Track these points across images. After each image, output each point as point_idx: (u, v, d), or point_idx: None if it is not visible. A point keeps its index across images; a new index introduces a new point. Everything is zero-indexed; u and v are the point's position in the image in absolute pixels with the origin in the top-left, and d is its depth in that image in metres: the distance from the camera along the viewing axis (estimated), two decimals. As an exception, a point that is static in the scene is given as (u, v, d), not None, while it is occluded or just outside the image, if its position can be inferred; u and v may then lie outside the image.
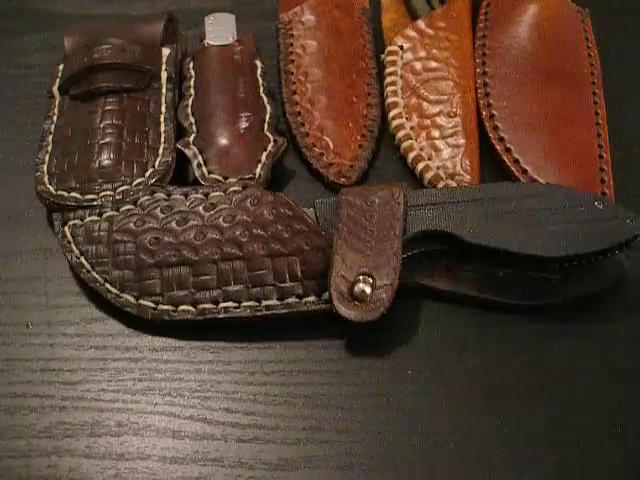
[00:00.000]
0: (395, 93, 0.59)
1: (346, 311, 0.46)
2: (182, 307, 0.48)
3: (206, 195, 0.51)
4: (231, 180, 0.53)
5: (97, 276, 0.49)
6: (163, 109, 0.57)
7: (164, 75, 0.58)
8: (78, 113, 0.56)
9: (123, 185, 0.52)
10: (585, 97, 0.58)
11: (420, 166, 0.56)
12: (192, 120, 0.56)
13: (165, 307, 0.48)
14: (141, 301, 0.48)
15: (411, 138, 0.57)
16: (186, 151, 0.54)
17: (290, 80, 0.60)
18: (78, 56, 0.57)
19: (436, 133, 0.57)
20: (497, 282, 0.49)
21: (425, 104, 0.58)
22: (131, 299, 0.49)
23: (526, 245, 0.47)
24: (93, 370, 0.48)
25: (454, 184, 0.54)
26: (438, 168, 0.55)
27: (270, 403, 0.47)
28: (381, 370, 0.48)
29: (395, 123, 0.58)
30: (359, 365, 0.48)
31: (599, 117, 0.57)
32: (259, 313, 0.48)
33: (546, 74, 0.59)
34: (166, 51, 0.59)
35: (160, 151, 0.54)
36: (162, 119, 0.56)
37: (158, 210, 0.50)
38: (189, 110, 0.56)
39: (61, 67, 0.58)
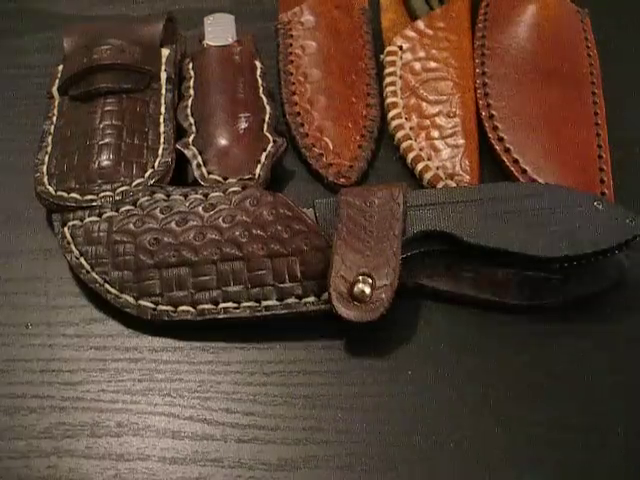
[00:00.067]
0: (394, 93, 0.59)
1: (346, 311, 0.46)
2: (182, 308, 0.48)
3: (206, 196, 0.51)
4: (231, 180, 0.53)
5: (97, 277, 0.49)
6: (162, 110, 0.56)
7: (163, 76, 0.58)
8: (77, 114, 0.56)
9: (122, 186, 0.52)
10: (585, 97, 0.58)
11: (419, 166, 0.56)
12: (192, 120, 0.56)
13: (165, 308, 0.48)
14: (141, 302, 0.48)
15: (410, 138, 0.57)
16: (186, 152, 0.54)
17: (289, 80, 0.60)
18: (77, 57, 0.57)
19: (435, 133, 0.57)
20: (497, 282, 0.49)
21: (424, 104, 0.58)
22: (131, 300, 0.49)
23: (526, 245, 0.47)
24: (93, 371, 0.48)
25: (454, 184, 0.54)
26: (437, 168, 0.55)
27: (270, 403, 0.47)
28: (381, 370, 0.48)
29: (394, 123, 0.58)
30: (359, 365, 0.48)
31: (599, 117, 0.57)
32: (259, 313, 0.48)
33: (545, 74, 0.59)
34: (165, 52, 0.59)
35: (160, 152, 0.54)
36: (161, 120, 0.56)
37: (158, 211, 0.50)
38: (189, 111, 0.56)
39: (61, 68, 0.58)
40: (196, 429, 0.46)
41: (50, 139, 0.55)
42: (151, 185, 0.52)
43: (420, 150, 0.56)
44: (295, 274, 0.48)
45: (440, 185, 0.54)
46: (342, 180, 0.56)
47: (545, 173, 0.54)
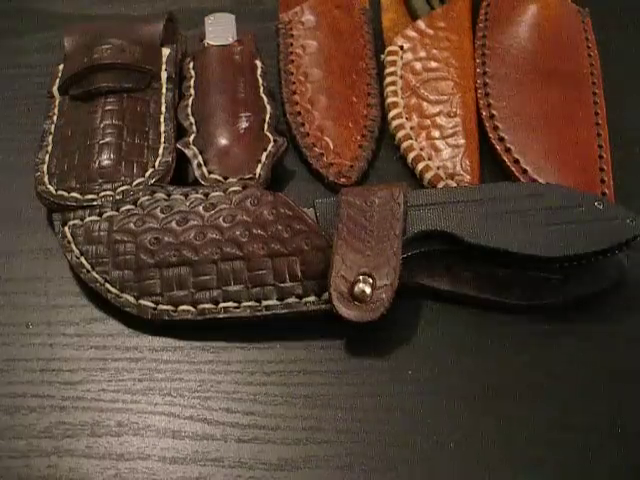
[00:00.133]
0: (395, 93, 0.59)
1: (346, 311, 0.46)
2: (182, 307, 0.48)
3: (206, 195, 0.51)
4: (231, 180, 0.53)
5: (97, 276, 0.49)
6: (163, 109, 0.56)
7: (164, 75, 0.58)
8: (78, 113, 0.56)
9: (123, 185, 0.52)
10: (585, 97, 0.58)
11: (420, 166, 0.56)
12: (192, 120, 0.56)
13: (165, 307, 0.48)
14: (141, 301, 0.48)
15: (411, 138, 0.57)
16: (186, 151, 0.54)
17: (290, 80, 0.60)
18: (78, 56, 0.57)
19: (436, 133, 0.57)
20: (497, 282, 0.50)
21: (425, 104, 0.58)
22: (131, 299, 0.49)
23: (526, 245, 0.47)
24: (93, 370, 0.48)
25: (454, 184, 0.54)
26: (438, 168, 0.55)
27: (270, 403, 0.47)
28: (381, 370, 0.48)
29: (395, 123, 0.58)
30: (359, 365, 0.48)
31: (599, 117, 0.57)
32: (259, 313, 0.48)
33: (546, 74, 0.59)
34: (166, 51, 0.59)
35: (160, 151, 0.54)
36: (162, 119, 0.56)
37: (158, 210, 0.50)
38: (189, 110, 0.56)
39: (61, 67, 0.58)
40: (196, 429, 0.46)
41: (51, 138, 0.55)
42: (152, 184, 0.52)
43: (421, 150, 0.56)
44: (295, 274, 0.48)
45: (440, 185, 0.54)
46: (342, 180, 0.56)
47: (545, 173, 0.54)
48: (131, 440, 0.45)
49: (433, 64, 0.60)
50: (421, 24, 0.62)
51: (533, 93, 0.58)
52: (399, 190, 0.49)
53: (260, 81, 0.58)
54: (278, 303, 0.48)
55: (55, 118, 0.56)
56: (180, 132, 0.56)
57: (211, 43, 0.59)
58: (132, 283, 0.49)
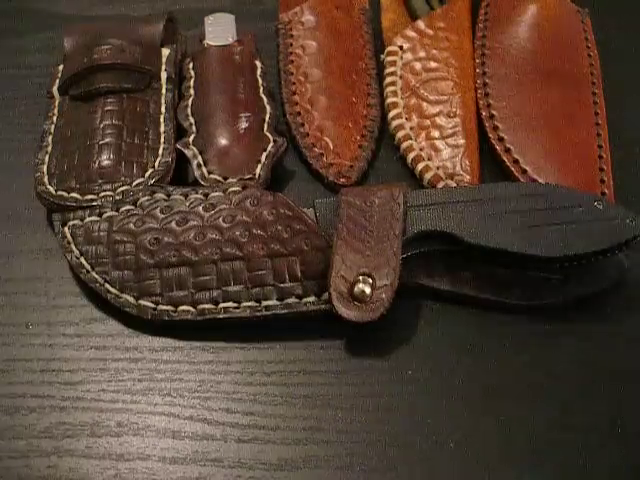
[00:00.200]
0: (395, 93, 0.59)
1: (346, 311, 0.46)
2: (182, 307, 0.48)
3: (206, 195, 0.51)
4: (231, 180, 0.53)
5: (97, 276, 0.49)
6: (163, 109, 0.57)
7: (164, 75, 0.58)
8: (78, 113, 0.56)
9: (123, 185, 0.52)
10: (585, 97, 0.58)
11: (420, 166, 0.56)
12: (192, 120, 0.56)
13: (165, 307, 0.48)
14: (141, 301, 0.48)
15: (411, 138, 0.57)
16: (186, 151, 0.54)
17: (290, 80, 0.60)
18: (78, 56, 0.57)
19: (436, 133, 0.57)
20: (497, 282, 0.50)
21: (425, 104, 0.58)
22: (131, 299, 0.49)
23: (526, 245, 0.47)
24: (93, 370, 0.48)
25: (454, 184, 0.54)
26: (438, 168, 0.55)
27: (270, 403, 0.47)
28: (381, 370, 0.48)
29: (395, 123, 0.58)
30: (359, 365, 0.48)
31: (599, 117, 0.57)
32: (259, 313, 0.48)
33: (546, 74, 0.59)
34: (166, 51, 0.59)
35: (160, 151, 0.54)
36: (162, 119, 0.56)
37: (158, 210, 0.50)
38: (189, 110, 0.56)
39: (61, 67, 0.58)
40: (196, 429, 0.46)
41: (50, 139, 0.55)
42: (151, 185, 0.52)
43: (420, 150, 0.56)
44: (295, 274, 0.48)
45: (440, 185, 0.54)
46: (342, 180, 0.56)
47: (545, 173, 0.54)
48: (131, 440, 0.45)
49: (433, 64, 0.60)
50: (421, 24, 0.62)
51: (533, 93, 0.58)
52: (399, 190, 0.49)
53: (260, 81, 0.58)
54: (278, 303, 0.48)
55: (55, 118, 0.56)
56: (180, 132, 0.56)
57: (211, 43, 0.59)
58: (132, 283, 0.49)
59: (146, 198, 0.51)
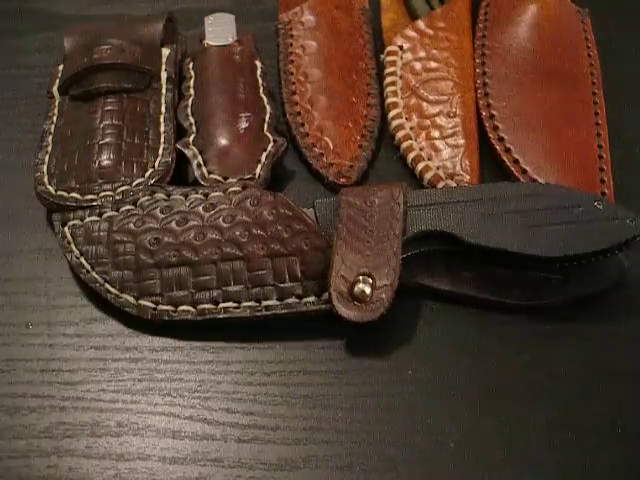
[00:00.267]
0: (395, 93, 0.59)
1: (346, 311, 0.46)
2: (182, 307, 0.48)
3: (206, 195, 0.51)
4: (231, 180, 0.53)
5: (97, 276, 0.49)
6: (163, 109, 0.57)
7: (164, 75, 0.58)
8: (78, 113, 0.56)
9: (123, 185, 0.52)
10: (585, 97, 0.58)
11: (420, 166, 0.56)
12: (192, 120, 0.56)
13: (165, 307, 0.48)
14: (141, 301, 0.48)
15: (411, 138, 0.57)
16: (186, 151, 0.54)
17: (290, 80, 0.60)
18: (78, 56, 0.57)
19: (436, 133, 0.57)
20: (497, 282, 0.50)
21: (425, 104, 0.58)
22: (131, 299, 0.49)
23: (526, 245, 0.47)
24: (93, 370, 0.48)
25: (454, 184, 0.54)
26: (438, 168, 0.55)
27: (270, 403, 0.47)
28: (381, 370, 0.48)
29: (395, 123, 0.58)
30: (359, 365, 0.48)
31: (599, 117, 0.57)
32: (259, 313, 0.48)
33: (546, 74, 0.59)
34: (166, 51, 0.59)
35: (160, 151, 0.54)
36: (162, 119, 0.56)
37: (158, 210, 0.50)
38: (189, 110, 0.56)
39: (61, 67, 0.58)
40: (196, 429, 0.46)
41: (50, 139, 0.55)
42: (151, 185, 0.52)
43: (420, 150, 0.56)
44: (295, 274, 0.48)
45: (440, 185, 0.54)
46: (342, 180, 0.56)
47: (545, 173, 0.54)
48: (131, 440, 0.45)
49: (433, 64, 0.60)
50: (421, 24, 0.62)
51: (533, 93, 0.58)
52: (399, 190, 0.49)
53: (260, 81, 0.58)
54: (278, 303, 0.48)
55: (55, 118, 0.56)
56: (180, 132, 0.56)
57: (211, 43, 0.59)
58: (132, 283, 0.49)
59: (146, 198, 0.51)
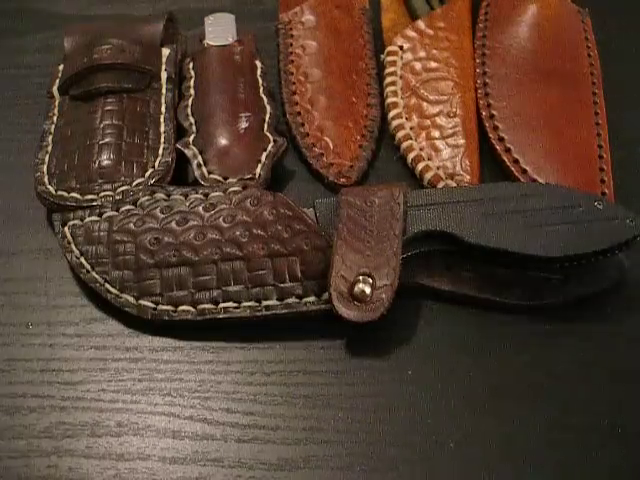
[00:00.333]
0: (395, 93, 0.59)
1: (346, 311, 0.46)
2: (182, 307, 0.48)
3: (206, 195, 0.51)
4: (231, 180, 0.53)
5: (97, 276, 0.49)
6: (163, 109, 0.57)
7: (164, 75, 0.58)
8: (78, 113, 0.56)
9: (123, 185, 0.52)
10: (585, 97, 0.58)
11: (420, 166, 0.56)
12: (192, 120, 0.56)
13: (165, 307, 0.48)
14: (141, 301, 0.48)
15: (411, 138, 0.57)
16: (186, 151, 0.54)
17: (290, 80, 0.60)
18: (78, 56, 0.57)
19: (436, 133, 0.57)
20: (497, 282, 0.50)
21: (425, 104, 0.58)
22: (131, 299, 0.49)
23: (526, 245, 0.47)
24: (93, 370, 0.48)
25: (454, 184, 0.54)
26: (438, 168, 0.55)
27: (270, 403, 0.47)
28: (381, 370, 0.48)
29: (395, 123, 0.58)
30: (359, 365, 0.48)
31: (599, 117, 0.57)
32: (259, 313, 0.48)
33: (546, 74, 0.59)
34: (166, 51, 0.59)
35: (160, 151, 0.54)
36: (162, 119, 0.56)
37: (158, 210, 0.50)
38: (189, 110, 0.56)
39: (61, 67, 0.58)
40: (196, 429, 0.46)
41: (50, 139, 0.55)
42: (151, 185, 0.52)
43: (420, 150, 0.56)
44: (295, 274, 0.48)
45: (440, 185, 0.54)
46: (342, 180, 0.56)
47: (545, 173, 0.54)
48: (131, 440, 0.45)
49: (433, 64, 0.60)
50: (421, 24, 0.62)
51: (533, 93, 0.58)
52: (399, 190, 0.49)
53: (260, 81, 0.58)
54: (278, 303, 0.48)
55: (55, 118, 0.56)
56: (180, 132, 0.56)
57: (211, 43, 0.59)
58: (132, 283, 0.49)
59: (146, 198, 0.51)
